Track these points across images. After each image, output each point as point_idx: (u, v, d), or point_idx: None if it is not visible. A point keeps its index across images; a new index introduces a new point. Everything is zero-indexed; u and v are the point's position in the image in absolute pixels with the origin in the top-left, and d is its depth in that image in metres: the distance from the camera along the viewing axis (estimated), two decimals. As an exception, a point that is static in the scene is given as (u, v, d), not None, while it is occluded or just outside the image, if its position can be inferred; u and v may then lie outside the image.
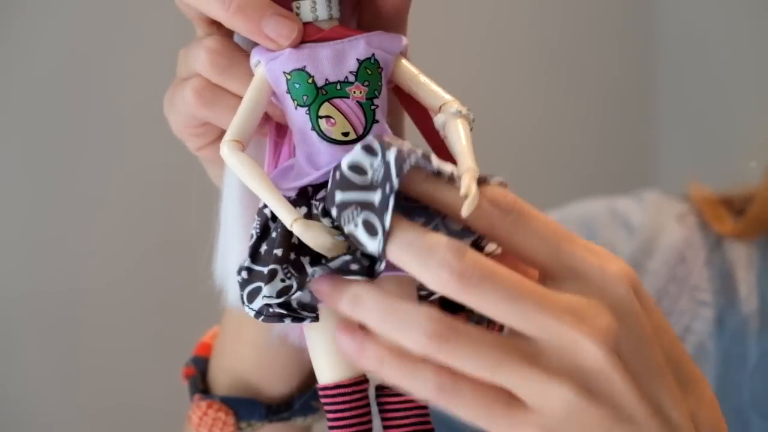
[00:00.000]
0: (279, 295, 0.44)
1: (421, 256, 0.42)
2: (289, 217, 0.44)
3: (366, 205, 0.43)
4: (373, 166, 0.44)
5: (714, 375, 0.78)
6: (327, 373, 0.46)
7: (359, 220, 0.43)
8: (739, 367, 0.77)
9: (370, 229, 0.43)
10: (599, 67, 1.70)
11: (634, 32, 1.73)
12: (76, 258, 1.30)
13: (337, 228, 0.44)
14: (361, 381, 0.46)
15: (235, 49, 0.49)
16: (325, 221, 0.45)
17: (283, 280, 0.44)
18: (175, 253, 1.34)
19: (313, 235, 0.44)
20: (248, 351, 0.65)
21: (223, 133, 0.52)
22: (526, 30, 1.65)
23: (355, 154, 0.44)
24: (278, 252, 0.45)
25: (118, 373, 1.33)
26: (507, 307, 0.43)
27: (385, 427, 0.47)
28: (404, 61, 0.48)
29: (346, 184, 0.44)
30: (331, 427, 0.46)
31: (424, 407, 0.47)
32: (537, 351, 0.43)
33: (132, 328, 1.33)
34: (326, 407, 0.46)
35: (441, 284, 0.42)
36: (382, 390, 0.47)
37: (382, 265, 0.43)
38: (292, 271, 0.44)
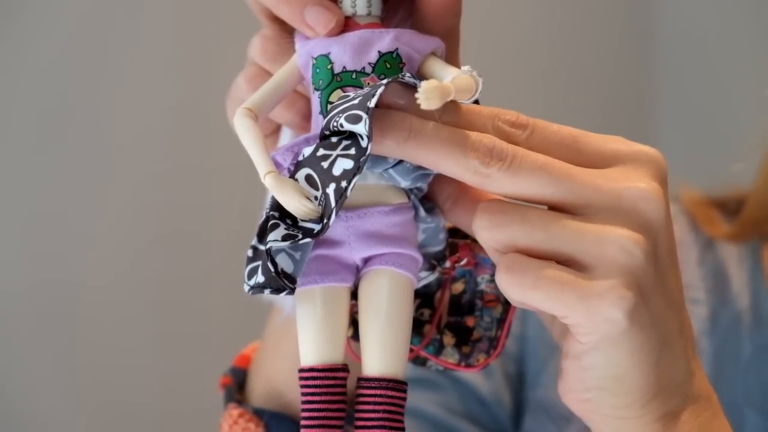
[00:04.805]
0: (284, 239, 0.44)
1: (453, 136, 0.44)
2: (264, 169, 0.44)
3: (349, 107, 0.43)
4: (357, 92, 0.44)
5: (708, 371, 0.78)
6: (307, 356, 0.46)
7: (342, 119, 0.43)
8: (733, 363, 0.77)
9: (355, 119, 0.43)
10: (599, 66, 1.70)
11: (634, 32, 1.73)
12: (74, 254, 1.30)
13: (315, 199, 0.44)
14: (338, 369, 0.46)
15: (289, 39, 0.50)
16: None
17: (287, 230, 0.44)
18: (174, 250, 1.34)
19: (282, 190, 0.43)
20: (284, 364, 0.65)
21: (278, 126, 0.53)
22: (525, 29, 1.65)
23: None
24: (275, 213, 0.45)
25: (115, 370, 1.32)
26: (547, 180, 0.44)
27: (356, 419, 0.46)
28: (434, 59, 0.48)
29: (331, 110, 0.44)
30: (302, 410, 0.45)
31: (398, 404, 0.46)
32: (585, 215, 0.44)
33: (130, 324, 1.32)
34: (301, 390, 0.46)
35: (471, 165, 0.44)
36: (361, 382, 0.46)
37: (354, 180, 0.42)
38: (295, 225, 0.44)
